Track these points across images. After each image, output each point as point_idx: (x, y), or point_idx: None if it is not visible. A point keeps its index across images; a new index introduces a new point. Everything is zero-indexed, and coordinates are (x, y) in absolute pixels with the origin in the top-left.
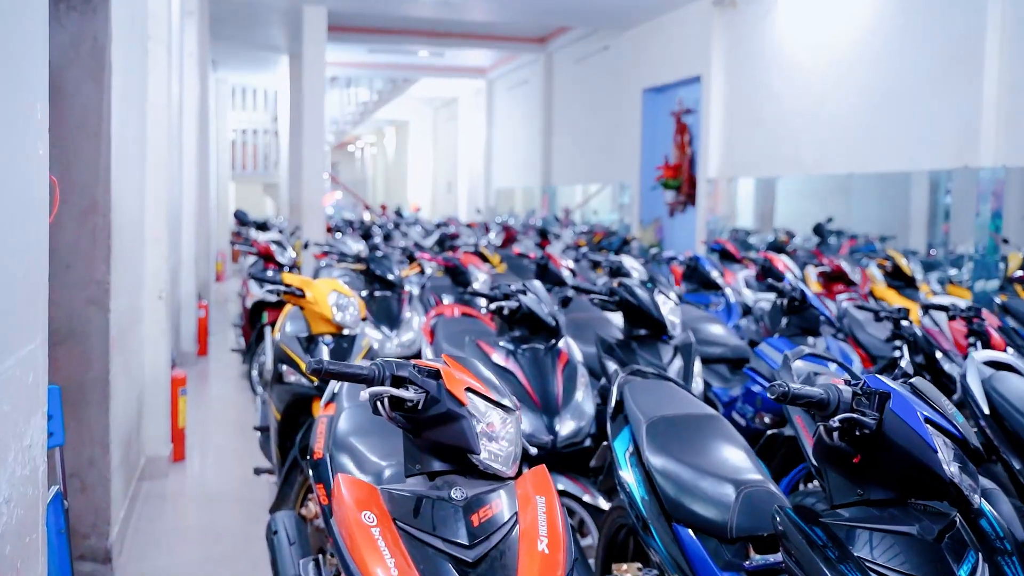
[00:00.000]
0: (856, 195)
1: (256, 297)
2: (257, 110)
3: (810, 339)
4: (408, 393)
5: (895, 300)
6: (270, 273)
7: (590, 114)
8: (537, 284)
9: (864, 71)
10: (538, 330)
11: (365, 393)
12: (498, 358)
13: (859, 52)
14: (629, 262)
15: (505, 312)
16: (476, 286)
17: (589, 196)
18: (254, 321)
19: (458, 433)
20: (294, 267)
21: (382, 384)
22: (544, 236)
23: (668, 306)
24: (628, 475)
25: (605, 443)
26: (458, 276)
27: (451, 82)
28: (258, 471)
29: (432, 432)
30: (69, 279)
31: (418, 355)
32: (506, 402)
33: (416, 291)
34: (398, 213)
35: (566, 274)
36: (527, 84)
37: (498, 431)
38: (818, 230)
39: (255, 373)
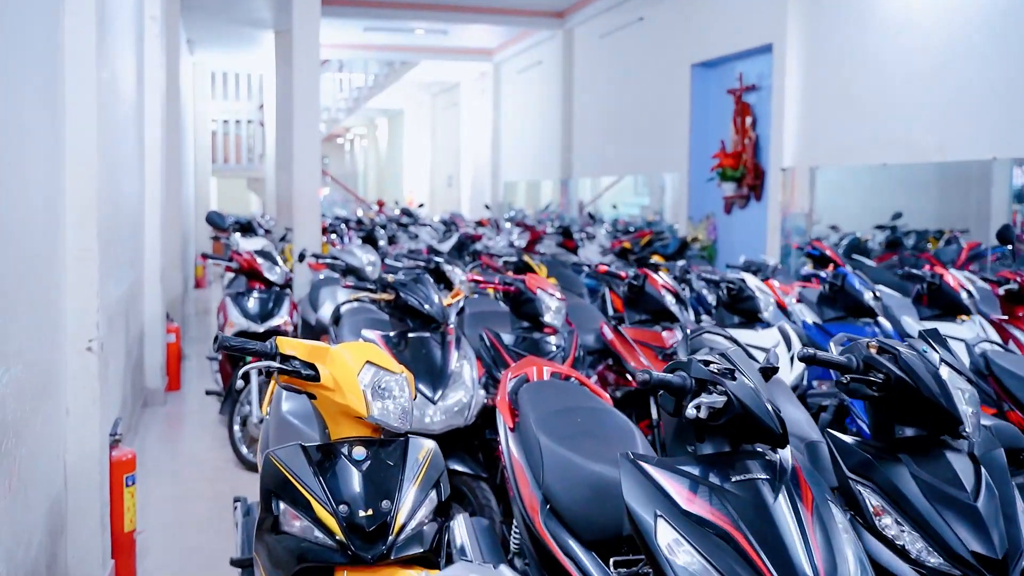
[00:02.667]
0: (897, 184)
1: (238, 327)
2: (240, 99)
3: None
4: None
5: None
6: (255, 295)
7: (621, 97)
8: (739, 353)
9: (1013, 29)
10: (745, 436)
11: None
12: (682, 497)
13: (1002, 3)
14: (753, 282)
15: (702, 413)
16: (548, 319)
17: (600, 192)
18: (235, 356)
19: None
20: (287, 285)
21: None
22: (568, 236)
23: (958, 385)
24: None
25: None
26: (522, 304)
27: (452, 65)
28: None
29: None
30: None
31: (476, 429)
32: None
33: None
34: (406, 212)
35: (670, 300)
36: (541, 65)
37: None
38: (1004, 234)
39: (237, 428)
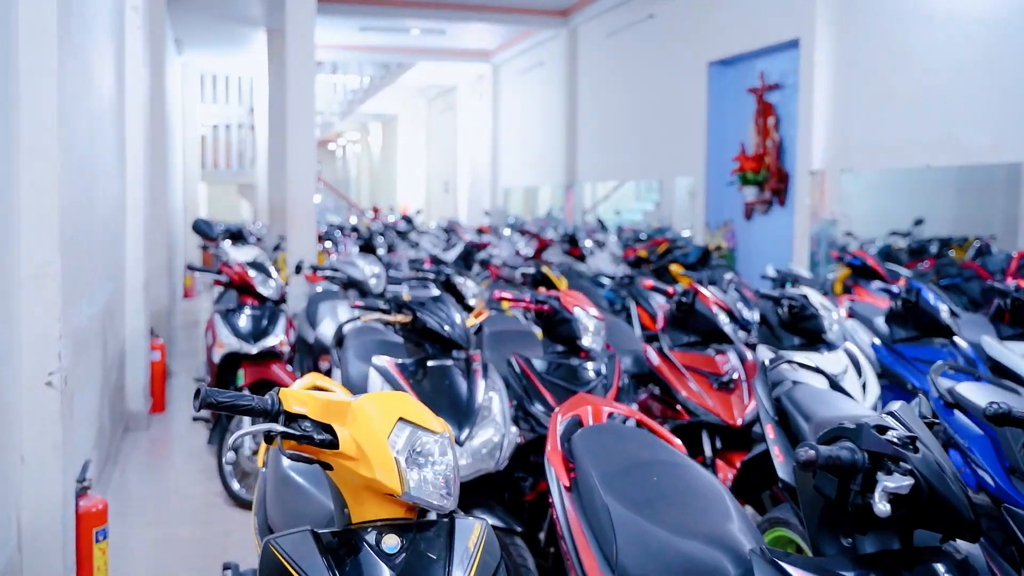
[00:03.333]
0: (911, 188)
1: (229, 347)
2: (231, 102)
3: None
4: None
5: None
6: (247, 312)
7: (630, 98)
8: (907, 410)
9: None
10: (918, 523)
11: None
12: None
13: None
14: (816, 299)
15: (880, 502)
16: (587, 342)
17: (601, 197)
18: (224, 378)
19: None
20: (282, 300)
21: None
22: (574, 243)
23: None
24: None
25: None
26: (557, 324)
27: (448, 68)
28: None
29: None
30: None
31: (508, 476)
32: None
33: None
34: (407, 219)
35: (723, 320)
36: (543, 66)
37: None
38: None
39: (227, 460)
